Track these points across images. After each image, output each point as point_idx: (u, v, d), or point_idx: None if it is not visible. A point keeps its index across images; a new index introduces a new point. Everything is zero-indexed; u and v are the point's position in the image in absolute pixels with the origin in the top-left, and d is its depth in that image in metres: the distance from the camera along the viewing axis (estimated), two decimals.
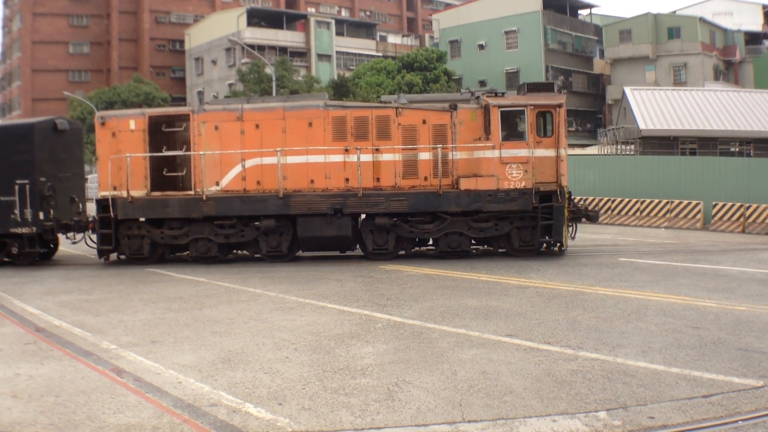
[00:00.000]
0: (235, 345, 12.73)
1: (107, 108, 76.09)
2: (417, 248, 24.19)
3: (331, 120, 22.90)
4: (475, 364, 11.09)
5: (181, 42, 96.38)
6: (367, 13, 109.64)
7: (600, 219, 32.87)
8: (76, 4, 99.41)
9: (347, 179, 22.71)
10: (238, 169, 23.06)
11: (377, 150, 22.77)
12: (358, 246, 23.76)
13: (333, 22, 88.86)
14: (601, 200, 35.14)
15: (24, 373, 11.73)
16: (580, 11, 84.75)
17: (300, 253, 24.27)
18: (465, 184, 22.33)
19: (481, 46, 77.80)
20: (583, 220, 24.41)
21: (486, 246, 23.89)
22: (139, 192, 23.18)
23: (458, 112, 22.69)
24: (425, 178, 22.68)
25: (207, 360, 11.85)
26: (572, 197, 23.81)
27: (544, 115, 22.51)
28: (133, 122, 23.64)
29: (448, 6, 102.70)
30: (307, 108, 23.21)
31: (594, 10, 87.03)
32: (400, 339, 12.74)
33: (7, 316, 16.34)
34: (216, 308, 16.09)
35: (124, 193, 23.04)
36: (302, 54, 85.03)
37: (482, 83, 75.88)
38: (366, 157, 22.67)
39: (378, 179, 22.77)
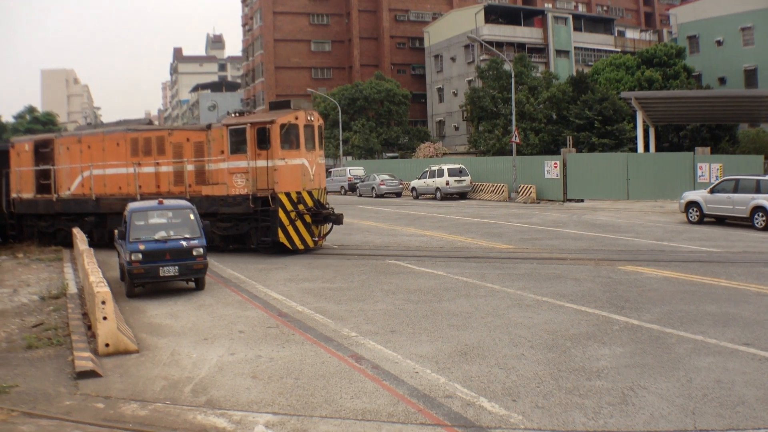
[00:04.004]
0: (472, 339, 12.85)
1: (349, 105, 79.16)
2: None
3: (129, 141, 28.86)
4: (711, 372, 10.75)
5: (421, 39, 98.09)
6: (604, 8, 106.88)
7: None
8: (316, 3, 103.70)
9: (140, 186, 28.30)
10: (79, 178, 30.21)
11: (158, 163, 28.15)
12: None
13: (570, 17, 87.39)
14: None
15: (265, 355, 12.35)
16: None
17: None
18: (205, 191, 26.79)
19: (719, 42, 73.84)
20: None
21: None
22: (29, 195, 31.60)
23: (212, 131, 27.04)
24: (189, 186, 27.24)
25: (444, 352, 12.03)
26: (301, 200, 25.82)
27: (263, 131, 25.64)
28: (27, 145, 32.21)
29: (684, 0, 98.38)
30: (116, 132, 29.71)
31: None
32: (637, 342, 12.48)
33: (251, 301, 17.33)
34: (454, 302, 16.33)
35: (22, 195, 31.75)
36: (540, 50, 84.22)
37: (722, 80, 72.22)
38: (149, 169, 28.32)
39: (159, 186, 28.11)
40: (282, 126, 25.41)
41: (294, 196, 25.43)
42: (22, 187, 31.79)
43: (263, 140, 25.58)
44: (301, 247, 25.50)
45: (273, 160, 25.37)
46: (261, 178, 25.59)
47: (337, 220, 26.60)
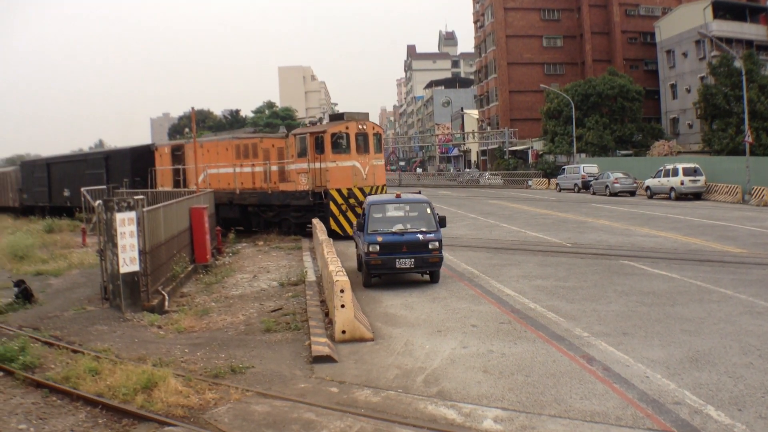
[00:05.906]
0: (703, 345, 12.73)
1: (582, 101, 77.78)
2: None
3: (233, 146, 35.72)
4: None
5: (651, 34, 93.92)
6: None
7: None
8: None
9: (242, 183, 35.14)
10: (202, 176, 36.51)
11: (253, 165, 34.67)
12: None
13: None
14: None
15: (497, 350, 12.73)
16: None
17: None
18: (282, 187, 33.17)
19: None
20: None
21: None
22: (168, 188, 37.35)
23: (289, 139, 33.34)
24: (273, 183, 33.62)
25: (675, 357, 11.99)
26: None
27: (319, 139, 31.12)
28: (166, 149, 40.97)
29: None
30: (224, 139, 37.03)
31: None
32: None
33: (484, 296, 17.77)
34: (687, 306, 16.06)
35: (163, 188, 37.62)
36: (766, 48, 79.10)
37: None
38: (247, 169, 34.97)
39: (254, 183, 34.70)
40: (333, 135, 31.07)
41: (345, 191, 30.81)
42: (163, 182, 40.12)
43: (319, 146, 31.06)
44: (351, 233, 28.87)
45: (325, 162, 30.83)
46: (317, 177, 31.14)
47: None
